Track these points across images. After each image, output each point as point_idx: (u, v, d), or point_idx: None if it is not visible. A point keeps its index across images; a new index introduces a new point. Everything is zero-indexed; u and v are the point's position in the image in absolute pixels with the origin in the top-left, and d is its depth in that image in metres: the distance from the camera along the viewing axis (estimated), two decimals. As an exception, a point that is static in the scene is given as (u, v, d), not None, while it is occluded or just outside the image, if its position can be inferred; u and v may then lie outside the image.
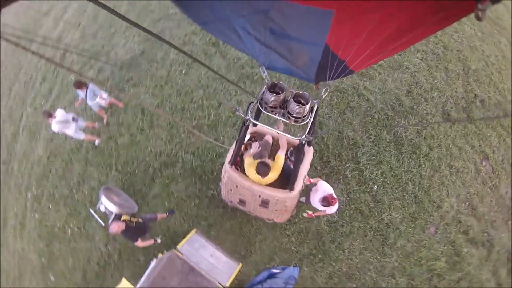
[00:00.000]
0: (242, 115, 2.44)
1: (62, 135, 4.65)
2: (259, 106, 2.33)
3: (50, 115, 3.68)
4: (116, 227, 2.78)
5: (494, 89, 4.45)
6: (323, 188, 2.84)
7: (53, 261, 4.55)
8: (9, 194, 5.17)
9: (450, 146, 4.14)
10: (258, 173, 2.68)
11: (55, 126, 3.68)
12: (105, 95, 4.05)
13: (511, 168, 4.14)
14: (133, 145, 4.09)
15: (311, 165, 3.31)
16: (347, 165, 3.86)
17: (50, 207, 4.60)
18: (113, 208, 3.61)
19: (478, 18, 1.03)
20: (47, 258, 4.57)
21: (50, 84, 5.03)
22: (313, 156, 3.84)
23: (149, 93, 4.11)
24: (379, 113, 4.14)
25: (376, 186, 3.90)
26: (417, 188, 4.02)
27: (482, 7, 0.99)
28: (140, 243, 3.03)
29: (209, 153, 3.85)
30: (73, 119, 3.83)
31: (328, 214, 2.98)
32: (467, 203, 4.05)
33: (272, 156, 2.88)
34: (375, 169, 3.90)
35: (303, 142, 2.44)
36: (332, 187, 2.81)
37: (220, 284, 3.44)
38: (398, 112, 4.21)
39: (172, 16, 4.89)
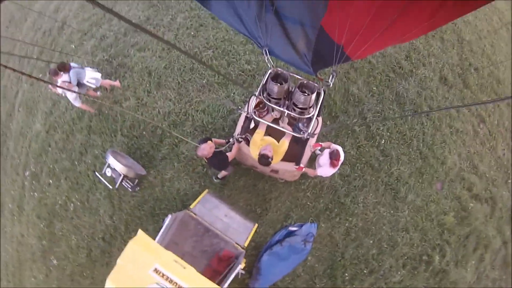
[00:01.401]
0: (244, 113, 2.40)
1: (62, 106, 4.49)
2: (263, 97, 2.27)
3: (64, 67, 3.35)
4: (207, 147, 2.37)
5: (487, 60, 4.73)
6: (335, 147, 2.84)
7: (54, 243, 4.25)
8: (5, 177, 4.86)
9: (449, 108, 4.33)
10: (260, 163, 2.64)
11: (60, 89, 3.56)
12: (96, 75, 3.59)
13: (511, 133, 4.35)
14: (140, 108, 4.00)
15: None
16: (354, 120, 3.95)
17: (50, 182, 4.36)
18: (121, 169, 3.48)
19: None
20: (48, 240, 4.27)
21: (48, 57, 4.88)
22: (322, 111, 3.92)
23: (156, 56, 4.07)
24: (381, 74, 4.31)
25: (383, 141, 4.00)
26: (421, 145, 4.15)
27: None
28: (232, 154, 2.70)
29: (220, 110, 3.83)
30: (78, 84, 3.70)
31: (318, 175, 2.96)
32: (469, 162, 4.22)
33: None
34: (381, 125, 4.01)
35: (305, 137, 2.44)
36: (342, 142, 2.77)
37: (238, 244, 3.32)
38: (399, 74, 4.40)
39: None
